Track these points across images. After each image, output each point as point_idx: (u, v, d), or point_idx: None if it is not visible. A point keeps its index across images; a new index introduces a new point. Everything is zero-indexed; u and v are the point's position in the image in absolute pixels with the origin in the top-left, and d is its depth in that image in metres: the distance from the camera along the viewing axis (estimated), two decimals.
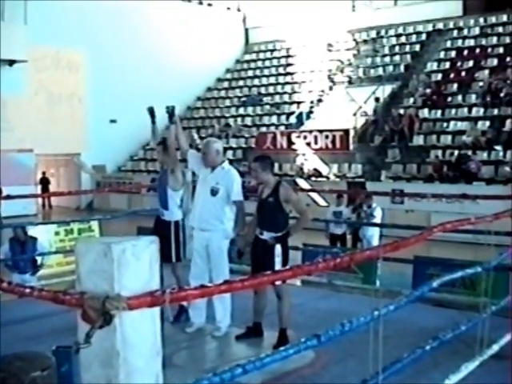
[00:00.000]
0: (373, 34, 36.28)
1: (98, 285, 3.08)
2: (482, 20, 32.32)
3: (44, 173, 34.25)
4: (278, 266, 6.85)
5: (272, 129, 32.16)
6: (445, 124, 26.77)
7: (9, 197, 12.07)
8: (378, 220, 15.48)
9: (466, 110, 26.84)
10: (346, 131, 27.44)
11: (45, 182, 33.93)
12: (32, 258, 12.09)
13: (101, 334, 3.00)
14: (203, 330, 7.60)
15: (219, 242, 7.48)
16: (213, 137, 31.57)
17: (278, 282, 6.61)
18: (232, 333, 7.54)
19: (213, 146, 7.63)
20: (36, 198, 30.13)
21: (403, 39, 34.87)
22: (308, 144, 28.15)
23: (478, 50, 30.63)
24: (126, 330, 3.14)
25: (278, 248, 6.94)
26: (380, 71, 32.82)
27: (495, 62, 29.05)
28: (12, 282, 3.86)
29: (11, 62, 30.00)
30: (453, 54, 31.53)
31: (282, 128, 31.91)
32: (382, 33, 35.97)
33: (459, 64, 30.39)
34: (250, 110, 35.64)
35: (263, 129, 32.73)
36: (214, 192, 7.41)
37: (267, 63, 40.13)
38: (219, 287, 3.73)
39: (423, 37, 34.09)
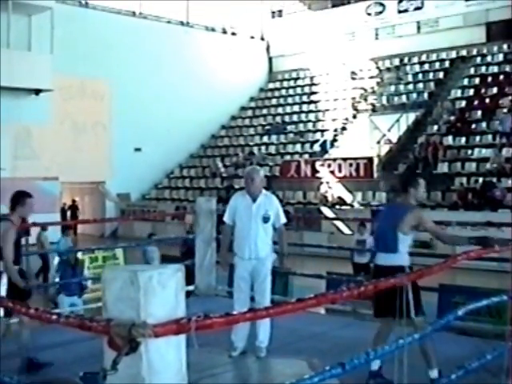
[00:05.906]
0: (396, 61, 36.35)
1: (125, 312, 3.11)
2: (505, 46, 32.28)
3: (74, 200, 34.54)
4: None
5: (296, 157, 32.25)
6: (469, 151, 26.68)
7: (34, 224, 12.21)
8: None
9: (490, 136, 26.73)
10: (370, 159, 27.43)
11: (73, 208, 34.19)
12: (81, 280, 12.49)
13: (127, 361, 3.02)
14: (246, 353, 7.59)
15: (269, 267, 7.61)
16: (237, 165, 31.78)
17: None
18: (259, 360, 7.54)
19: (260, 173, 7.68)
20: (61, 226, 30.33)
21: (426, 66, 34.92)
22: (332, 172, 28.14)
23: (501, 77, 30.55)
24: (152, 357, 3.16)
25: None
26: (404, 99, 32.81)
27: None
28: (39, 309, 3.91)
29: (37, 91, 30.38)
30: (477, 80, 31.48)
31: (306, 156, 31.95)
32: (406, 60, 36.06)
33: (483, 91, 30.33)
34: (274, 138, 35.69)
35: (287, 157, 32.81)
36: (266, 219, 7.50)
37: (291, 91, 40.27)
38: (244, 315, 3.76)
39: (447, 64, 34.10)
